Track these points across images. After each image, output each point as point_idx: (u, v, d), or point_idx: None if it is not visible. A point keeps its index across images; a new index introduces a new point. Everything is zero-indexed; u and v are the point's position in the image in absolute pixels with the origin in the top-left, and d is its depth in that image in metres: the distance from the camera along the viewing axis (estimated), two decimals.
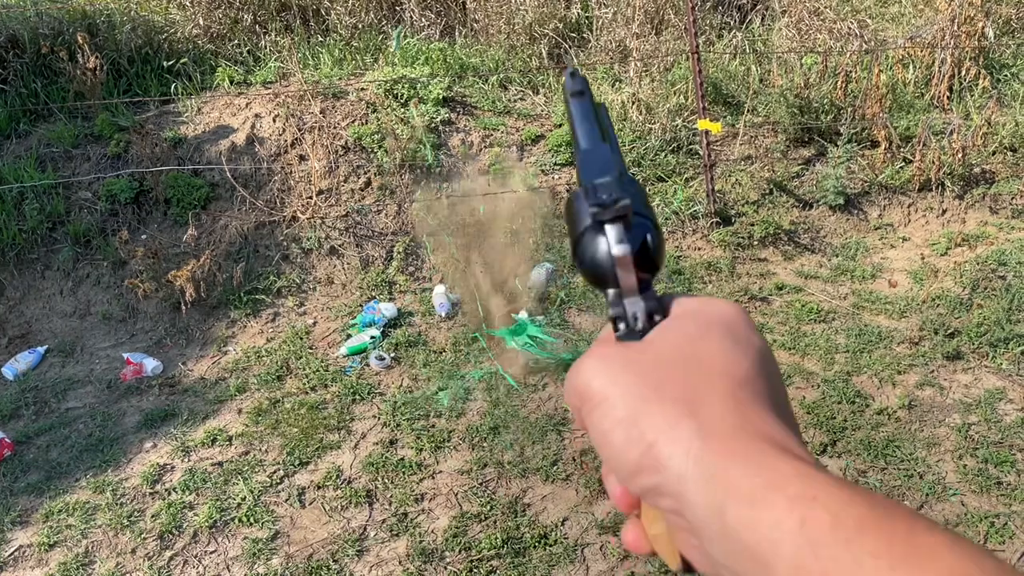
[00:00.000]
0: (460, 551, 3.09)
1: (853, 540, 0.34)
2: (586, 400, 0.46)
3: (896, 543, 0.34)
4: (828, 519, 0.35)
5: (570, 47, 6.59)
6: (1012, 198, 5.37)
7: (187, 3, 6.46)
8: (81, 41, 5.57)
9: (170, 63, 6.08)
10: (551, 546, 3.08)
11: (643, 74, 6.16)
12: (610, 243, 0.50)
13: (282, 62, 6.18)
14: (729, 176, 5.63)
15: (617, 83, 6.23)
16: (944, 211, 5.42)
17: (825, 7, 6.63)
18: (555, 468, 3.49)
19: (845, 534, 0.35)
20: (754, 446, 0.40)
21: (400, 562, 3.07)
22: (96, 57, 5.62)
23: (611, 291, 0.51)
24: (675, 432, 0.41)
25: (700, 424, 0.41)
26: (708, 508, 0.39)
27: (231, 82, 6.04)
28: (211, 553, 3.20)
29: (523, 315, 4.29)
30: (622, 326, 0.50)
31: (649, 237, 0.51)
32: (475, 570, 2.99)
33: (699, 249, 5.27)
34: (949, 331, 4.20)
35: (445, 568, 3.03)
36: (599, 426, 0.44)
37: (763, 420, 0.42)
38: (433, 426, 3.85)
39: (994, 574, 0.32)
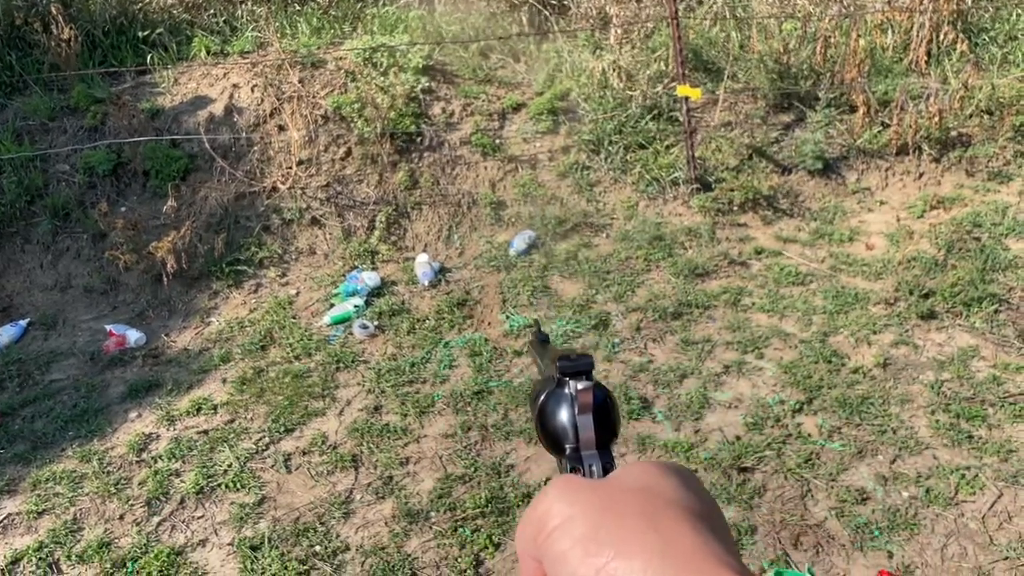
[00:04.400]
0: (445, 511, 3.14)
1: None
2: (545, 524, 0.44)
3: None
4: None
5: (550, 14, 6.56)
6: (988, 161, 5.43)
7: None
8: (55, 12, 5.50)
9: (145, 33, 6.00)
10: None
11: (623, 41, 6.15)
12: (573, 387, 0.53)
13: (259, 31, 6.11)
14: (709, 142, 5.65)
15: (598, 50, 6.21)
16: (921, 174, 5.48)
17: None
18: None
19: None
20: (712, 566, 0.39)
21: (386, 523, 3.13)
22: (71, 28, 5.54)
23: (569, 447, 0.53)
24: (635, 545, 0.40)
25: (660, 539, 0.40)
26: None
27: (208, 52, 5.97)
28: (199, 518, 3.24)
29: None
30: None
31: (608, 400, 0.55)
32: (460, 529, 3.05)
33: (680, 215, 5.31)
34: (924, 291, 4.27)
35: (431, 528, 3.08)
36: (557, 547, 0.42)
37: (720, 547, 0.41)
38: (418, 392, 3.89)
39: None
